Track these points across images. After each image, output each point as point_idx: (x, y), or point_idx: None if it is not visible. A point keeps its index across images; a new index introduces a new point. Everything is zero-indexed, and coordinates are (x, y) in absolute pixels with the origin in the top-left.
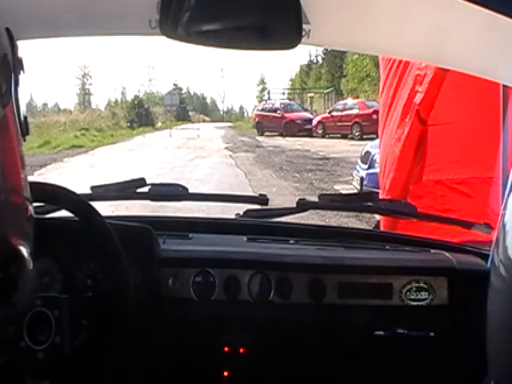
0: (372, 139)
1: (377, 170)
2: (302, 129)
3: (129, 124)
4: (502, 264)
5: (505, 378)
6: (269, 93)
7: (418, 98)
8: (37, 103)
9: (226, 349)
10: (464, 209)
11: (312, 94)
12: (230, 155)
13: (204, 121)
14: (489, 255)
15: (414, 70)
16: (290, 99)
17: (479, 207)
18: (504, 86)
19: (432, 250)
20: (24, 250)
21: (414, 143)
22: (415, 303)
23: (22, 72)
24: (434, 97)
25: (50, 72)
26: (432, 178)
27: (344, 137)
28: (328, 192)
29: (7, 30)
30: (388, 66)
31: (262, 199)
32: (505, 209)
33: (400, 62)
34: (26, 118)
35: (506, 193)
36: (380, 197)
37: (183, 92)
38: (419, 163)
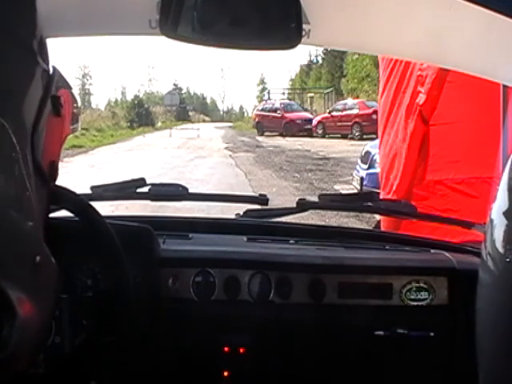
0: (372, 139)
1: (377, 169)
2: (302, 129)
3: (129, 124)
4: (490, 257)
5: (494, 374)
6: (269, 93)
7: (421, 98)
8: None
9: (226, 349)
10: (464, 209)
11: (312, 94)
12: (230, 155)
13: (204, 121)
14: None
15: (416, 71)
16: (290, 99)
17: (479, 207)
18: (504, 86)
19: (432, 250)
20: (16, 299)
21: (418, 144)
22: (415, 303)
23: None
24: (436, 97)
25: None
26: (432, 178)
27: (344, 137)
28: (328, 192)
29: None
30: (388, 66)
31: (262, 199)
32: (493, 203)
33: (400, 62)
34: (54, 162)
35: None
36: (381, 197)
37: (183, 92)
38: (422, 163)
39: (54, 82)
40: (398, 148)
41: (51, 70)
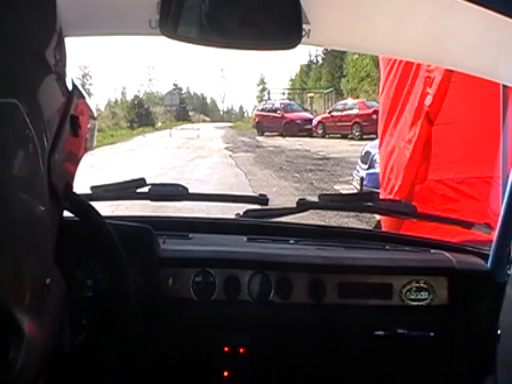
0: (372, 139)
1: (377, 170)
2: (302, 129)
3: (129, 124)
4: None
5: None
6: (269, 93)
7: (429, 99)
8: None
9: (226, 349)
10: (464, 208)
11: (312, 94)
12: (230, 155)
13: (204, 121)
14: (489, 255)
15: (422, 72)
16: (290, 99)
17: (479, 207)
18: (504, 86)
19: (432, 250)
20: (24, 323)
21: (422, 144)
22: (415, 303)
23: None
24: (442, 98)
25: None
26: (433, 178)
27: (344, 137)
28: (328, 192)
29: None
30: (388, 66)
31: (262, 199)
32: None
33: (400, 61)
34: (69, 184)
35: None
36: (382, 197)
37: (183, 92)
38: (424, 163)
39: (73, 101)
40: (403, 149)
41: (70, 87)
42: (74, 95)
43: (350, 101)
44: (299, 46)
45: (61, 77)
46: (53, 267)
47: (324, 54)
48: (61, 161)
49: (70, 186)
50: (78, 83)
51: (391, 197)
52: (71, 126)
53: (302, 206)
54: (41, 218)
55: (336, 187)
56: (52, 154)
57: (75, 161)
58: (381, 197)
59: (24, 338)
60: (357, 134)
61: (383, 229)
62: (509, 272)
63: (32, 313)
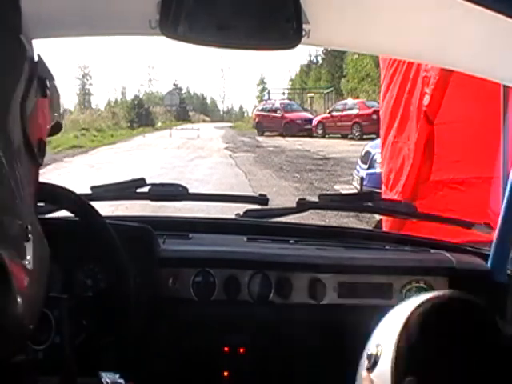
0: (372, 139)
1: (377, 170)
2: (302, 129)
3: (129, 124)
4: None
5: None
6: (269, 93)
7: (426, 99)
8: None
9: (226, 349)
10: (464, 209)
11: (312, 94)
12: (230, 155)
13: (204, 121)
14: (489, 255)
15: (422, 72)
16: (290, 99)
17: (479, 207)
18: (504, 86)
19: (432, 250)
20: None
21: (423, 144)
22: None
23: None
24: (440, 98)
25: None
26: (433, 178)
27: (344, 137)
28: (328, 192)
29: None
30: (390, 65)
31: (262, 199)
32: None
33: (403, 62)
34: (42, 140)
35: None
36: (385, 197)
37: (183, 92)
38: (426, 163)
39: (39, 66)
40: (410, 149)
41: (36, 57)
42: (39, 61)
43: (350, 101)
44: (299, 46)
45: (28, 56)
46: (34, 223)
47: (324, 54)
48: (33, 118)
49: (43, 143)
50: (79, 83)
51: (396, 197)
52: (40, 87)
53: (302, 205)
54: (16, 175)
55: (336, 187)
56: (24, 100)
57: (46, 120)
58: (384, 197)
59: (11, 281)
60: (357, 134)
61: (384, 229)
62: (508, 272)
63: (14, 254)
